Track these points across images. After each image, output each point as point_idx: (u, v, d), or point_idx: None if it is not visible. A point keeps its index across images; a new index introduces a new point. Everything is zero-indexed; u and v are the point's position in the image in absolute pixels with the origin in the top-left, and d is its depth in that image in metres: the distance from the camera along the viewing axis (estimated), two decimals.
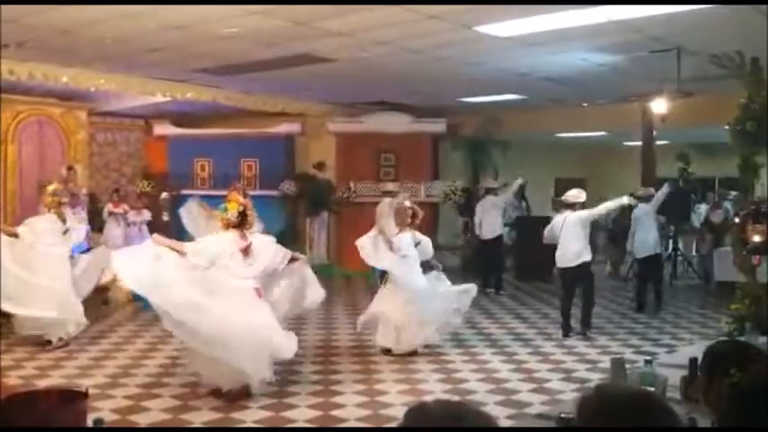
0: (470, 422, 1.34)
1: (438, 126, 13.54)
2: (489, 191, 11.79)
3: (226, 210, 5.96)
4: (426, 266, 7.52)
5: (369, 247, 7.30)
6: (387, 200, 8.99)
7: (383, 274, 7.56)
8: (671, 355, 6.18)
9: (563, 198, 8.40)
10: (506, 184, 12.72)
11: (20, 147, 10.94)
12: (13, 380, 6.07)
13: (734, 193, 10.84)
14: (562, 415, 2.53)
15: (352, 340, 7.95)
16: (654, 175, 12.77)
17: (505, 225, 12.66)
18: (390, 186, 11.10)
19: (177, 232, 13.73)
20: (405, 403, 5.48)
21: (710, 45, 7.12)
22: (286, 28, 7.24)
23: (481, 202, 11.74)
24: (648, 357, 3.61)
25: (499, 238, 11.61)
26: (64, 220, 7.88)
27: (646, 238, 9.82)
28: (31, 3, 6.25)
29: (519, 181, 11.42)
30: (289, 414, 5.43)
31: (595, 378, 6.32)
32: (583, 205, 8.28)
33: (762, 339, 4.12)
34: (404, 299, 7.11)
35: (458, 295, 7.47)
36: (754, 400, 1.64)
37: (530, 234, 12.55)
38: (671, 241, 12.57)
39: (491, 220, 11.50)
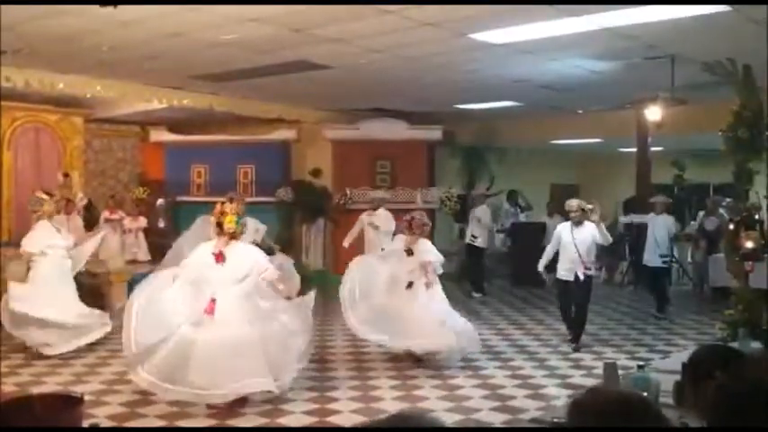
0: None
1: (434, 133, 13.58)
2: (488, 197, 12.03)
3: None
4: None
5: None
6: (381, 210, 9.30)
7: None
8: (664, 361, 6.20)
9: (585, 208, 7.77)
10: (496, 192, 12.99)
11: (16, 154, 10.94)
12: (8, 387, 6.06)
13: (728, 199, 10.88)
14: (555, 419, 2.55)
15: (348, 347, 7.95)
16: (649, 182, 12.83)
17: (499, 232, 12.73)
18: (381, 193, 10.79)
19: (174, 238, 13.81)
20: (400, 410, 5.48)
21: (704, 53, 7.18)
22: (282, 35, 7.28)
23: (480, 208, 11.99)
24: (642, 363, 3.62)
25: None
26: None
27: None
28: (36, 3, 6.24)
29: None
30: (284, 420, 5.44)
31: (590, 384, 6.34)
32: None
33: (754, 344, 4.14)
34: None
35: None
36: (738, 401, 1.67)
37: (525, 240, 12.63)
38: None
39: (483, 229, 11.78)
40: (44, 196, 7.98)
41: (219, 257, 5.73)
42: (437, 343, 6.89)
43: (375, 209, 10.22)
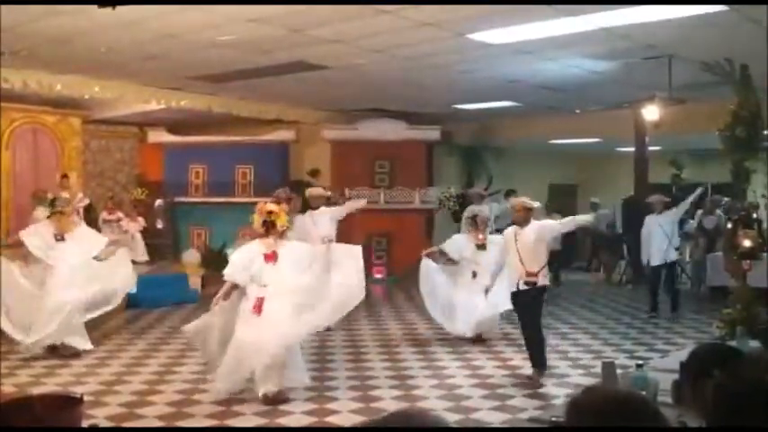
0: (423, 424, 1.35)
1: (432, 133, 13.60)
2: (483, 197, 11.92)
3: (251, 222, 6.03)
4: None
5: None
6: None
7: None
8: (663, 360, 6.21)
9: (530, 206, 6.75)
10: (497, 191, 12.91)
11: (14, 154, 10.95)
12: (7, 387, 6.06)
13: (726, 198, 10.89)
14: (553, 418, 2.55)
15: (347, 346, 7.96)
16: (647, 182, 12.85)
17: (498, 231, 12.72)
18: (320, 191, 9.37)
19: (172, 238, 13.82)
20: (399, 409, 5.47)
21: (702, 53, 7.19)
22: (281, 36, 7.28)
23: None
24: (640, 362, 3.63)
25: None
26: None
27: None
28: (36, 3, 6.24)
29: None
30: (283, 420, 5.44)
31: (589, 383, 6.34)
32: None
33: (752, 343, 4.16)
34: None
35: None
36: (736, 400, 1.67)
37: None
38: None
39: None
40: (67, 195, 8.07)
41: (272, 257, 5.80)
42: (484, 326, 7.94)
43: (315, 208, 8.95)
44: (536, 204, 6.78)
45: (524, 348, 7.85)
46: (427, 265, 8.36)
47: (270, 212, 5.91)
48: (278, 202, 6.62)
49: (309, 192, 9.32)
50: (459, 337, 8.04)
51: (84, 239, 7.71)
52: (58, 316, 7.24)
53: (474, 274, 8.03)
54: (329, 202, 9.52)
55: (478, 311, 7.87)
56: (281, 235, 5.96)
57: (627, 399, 1.52)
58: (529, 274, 6.49)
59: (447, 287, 8.25)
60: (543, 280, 6.61)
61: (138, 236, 12.48)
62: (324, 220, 8.98)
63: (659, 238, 9.80)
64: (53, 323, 7.21)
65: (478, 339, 8.01)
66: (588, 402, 1.54)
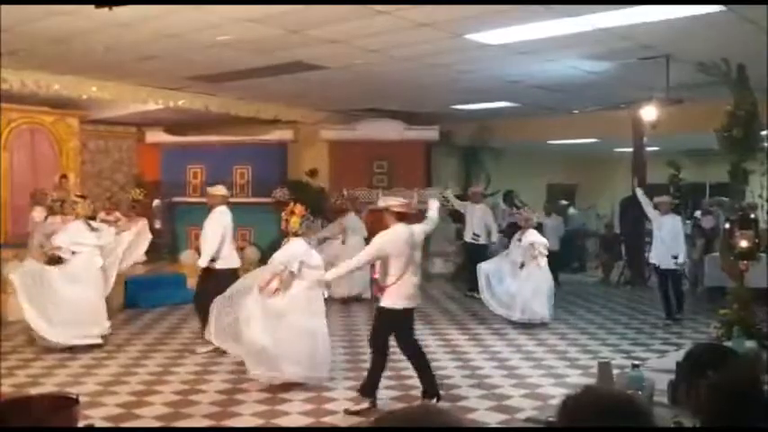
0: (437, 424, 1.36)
1: (431, 133, 13.61)
2: (485, 196, 12.05)
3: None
4: None
5: None
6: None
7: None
8: (659, 360, 6.23)
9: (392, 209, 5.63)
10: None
11: (11, 155, 10.93)
12: (5, 388, 6.06)
13: (725, 199, 10.89)
14: (550, 418, 2.56)
15: (345, 346, 7.96)
16: (645, 182, 12.84)
17: (499, 231, 12.75)
18: (219, 189, 8.18)
19: (170, 239, 13.80)
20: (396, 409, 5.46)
21: (699, 53, 7.19)
22: (279, 36, 7.29)
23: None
24: (636, 362, 3.64)
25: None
26: None
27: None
28: (34, 3, 6.23)
29: None
30: (280, 420, 5.45)
31: (587, 383, 6.34)
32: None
33: (749, 344, 4.17)
34: None
35: None
36: (731, 400, 1.68)
37: None
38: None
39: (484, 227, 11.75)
40: (78, 199, 8.13)
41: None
42: (531, 314, 9.03)
43: (211, 208, 8.00)
44: (400, 200, 5.71)
45: (523, 348, 7.90)
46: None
47: (292, 212, 6.50)
48: (278, 202, 6.96)
49: (208, 190, 8.47)
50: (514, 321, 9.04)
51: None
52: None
53: (522, 265, 9.31)
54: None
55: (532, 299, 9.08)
56: (294, 234, 6.44)
57: (617, 399, 1.53)
58: (379, 289, 5.52)
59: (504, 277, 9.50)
60: (389, 300, 5.44)
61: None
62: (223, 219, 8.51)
63: (657, 242, 9.75)
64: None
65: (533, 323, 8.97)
66: (580, 403, 1.54)
